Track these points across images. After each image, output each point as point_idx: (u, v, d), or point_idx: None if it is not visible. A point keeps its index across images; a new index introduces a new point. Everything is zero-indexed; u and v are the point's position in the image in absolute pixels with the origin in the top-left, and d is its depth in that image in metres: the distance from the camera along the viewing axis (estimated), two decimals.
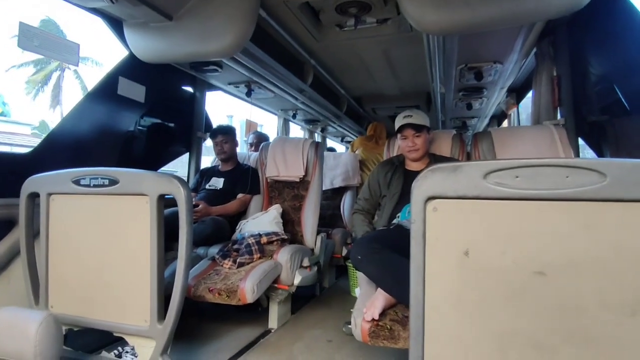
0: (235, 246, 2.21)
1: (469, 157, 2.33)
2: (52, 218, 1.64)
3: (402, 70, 3.49)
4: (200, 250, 2.35)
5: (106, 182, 1.52)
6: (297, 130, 4.87)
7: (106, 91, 2.33)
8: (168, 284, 1.49)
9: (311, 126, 4.55)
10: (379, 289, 1.59)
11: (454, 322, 1.03)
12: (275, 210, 2.56)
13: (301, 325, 2.35)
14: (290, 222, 2.66)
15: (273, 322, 2.26)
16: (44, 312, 1.28)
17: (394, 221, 2.02)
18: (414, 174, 2.21)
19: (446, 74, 2.49)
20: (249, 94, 2.86)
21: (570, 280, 0.96)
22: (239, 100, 3.54)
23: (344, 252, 3.19)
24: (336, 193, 3.70)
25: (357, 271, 2.09)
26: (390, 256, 1.58)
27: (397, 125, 2.17)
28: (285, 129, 4.22)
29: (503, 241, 1.00)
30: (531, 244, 0.98)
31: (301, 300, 2.74)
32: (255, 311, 2.42)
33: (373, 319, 1.49)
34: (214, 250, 2.29)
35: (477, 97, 3.03)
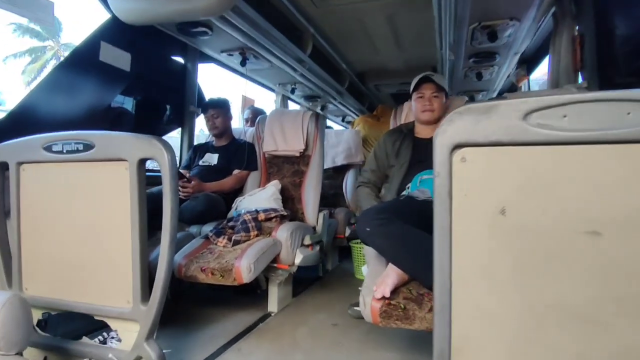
0: (231, 223, 2.04)
1: None
2: (24, 190, 1.46)
3: (407, 40, 3.28)
4: (193, 229, 2.18)
5: (80, 147, 1.34)
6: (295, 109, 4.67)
7: (86, 57, 2.13)
8: (155, 265, 1.33)
9: (311, 103, 4.35)
10: (389, 264, 1.42)
11: (487, 294, 0.86)
12: (273, 186, 2.38)
13: (304, 309, 2.19)
14: (290, 199, 2.49)
15: (273, 306, 2.10)
16: (7, 293, 1.11)
17: (403, 193, 1.84)
18: (425, 142, 2.05)
19: (457, 36, 2.29)
20: (243, 62, 2.66)
21: (628, 240, 0.79)
22: (234, 76, 3.35)
23: (348, 232, 3.03)
24: (338, 172, 3.52)
25: (363, 249, 1.93)
26: (402, 227, 1.40)
27: (413, 84, 1.98)
28: (283, 106, 4.02)
29: (547, 196, 0.82)
30: (582, 198, 0.80)
31: (303, 283, 2.58)
32: (253, 294, 2.26)
33: (384, 297, 1.33)
34: (207, 228, 2.12)
35: (488, 64, 2.83)
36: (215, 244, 1.91)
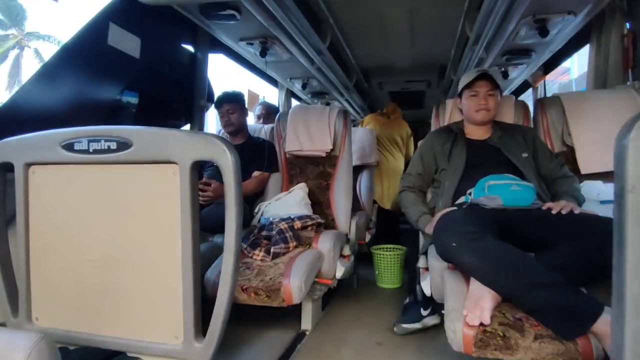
0: (264, 233, 1.80)
1: (535, 126, 2.00)
2: (34, 198, 1.19)
3: (423, 36, 3.13)
4: (219, 239, 1.92)
5: (113, 145, 1.08)
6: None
7: (94, 40, 1.84)
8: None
9: (317, 101, 4.13)
10: (475, 284, 1.23)
11: None
12: (301, 190, 2.16)
13: (338, 325, 1.98)
14: (318, 204, 2.27)
15: (307, 323, 1.88)
16: (33, 333, 0.85)
17: (462, 199, 1.66)
18: (479, 144, 1.88)
19: (500, 30, 2.13)
20: (263, 53, 2.41)
21: None
22: (236, 70, 3.09)
23: (368, 238, 2.83)
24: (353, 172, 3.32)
25: (420, 262, 1.74)
26: (496, 243, 1.22)
27: (464, 80, 1.81)
28: (287, 102, 3.78)
29: None
30: None
31: (325, 296, 2.38)
32: (282, 310, 2.03)
33: (482, 324, 1.14)
34: None
35: (519, 62, 2.70)
36: (251, 257, 1.67)
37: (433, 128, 2.11)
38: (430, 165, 1.87)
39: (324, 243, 1.77)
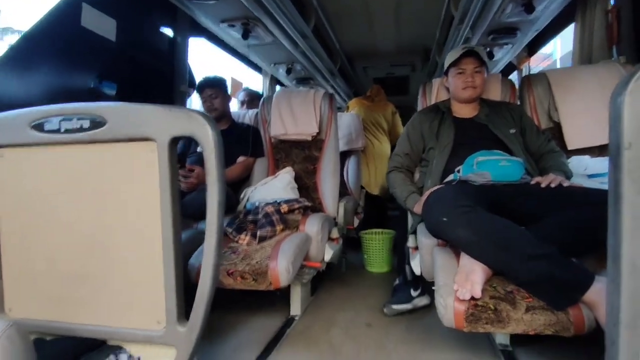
0: (250, 217, 1.76)
1: (521, 103, 1.99)
2: (3, 183, 1.12)
3: (407, 17, 3.10)
4: (203, 225, 1.87)
5: (86, 124, 1.02)
6: None
7: (65, 21, 1.75)
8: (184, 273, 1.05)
9: (301, 87, 4.07)
10: (465, 259, 1.22)
11: None
12: (287, 174, 2.12)
13: (326, 308, 1.96)
14: (304, 188, 2.23)
15: (296, 308, 1.86)
16: (2, 321, 0.80)
17: (450, 177, 1.64)
18: (467, 122, 1.86)
19: (487, 7, 2.11)
20: (245, 35, 2.34)
21: None
22: (219, 57, 3.01)
23: (356, 222, 2.81)
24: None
25: (409, 241, 1.72)
26: (487, 216, 1.20)
27: (450, 58, 1.78)
28: (271, 89, 3.71)
29: None
30: None
31: (314, 280, 2.35)
32: (271, 295, 2.00)
33: (472, 298, 1.12)
34: None
35: (504, 42, 2.68)
36: (237, 242, 1.62)
37: (420, 107, 2.08)
38: (417, 145, 1.84)
39: (312, 225, 1.74)
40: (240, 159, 2.24)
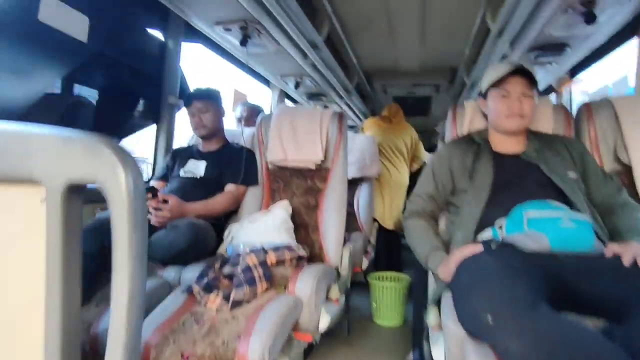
0: (227, 269, 1.38)
1: (578, 135, 1.58)
2: None
3: (434, 31, 2.74)
4: (169, 273, 1.50)
5: None
6: None
7: (18, 14, 1.44)
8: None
9: (312, 103, 3.73)
10: None
11: None
12: (283, 209, 1.74)
13: None
14: (303, 227, 1.85)
15: None
16: None
17: (487, 233, 1.24)
18: (511, 160, 1.41)
19: (533, 17, 1.73)
20: (243, 41, 2.00)
21: None
22: (222, 65, 2.69)
23: (365, 264, 2.41)
24: (349, 186, 2.89)
25: (430, 319, 1.31)
26: (555, 319, 0.79)
27: (491, 76, 1.39)
28: (280, 105, 3.37)
29: None
30: None
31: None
32: None
33: None
34: (190, 274, 1.45)
35: (548, 61, 2.27)
36: (204, 306, 1.24)
37: (448, 136, 1.69)
38: (444, 185, 1.45)
39: (304, 286, 1.34)
40: (229, 187, 1.88)
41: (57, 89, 1.78)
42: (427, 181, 1.48)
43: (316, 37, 2.20)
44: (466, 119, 1.64)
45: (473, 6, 2.33)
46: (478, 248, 1.12)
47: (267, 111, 3.40)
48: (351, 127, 5.40)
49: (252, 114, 2.53)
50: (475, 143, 1.46)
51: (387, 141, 3.16)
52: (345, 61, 3.33)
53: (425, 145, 3.60)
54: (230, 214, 1.88)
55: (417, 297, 1.79)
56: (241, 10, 1.77)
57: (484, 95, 1.47)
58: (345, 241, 1.89)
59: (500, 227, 1.20)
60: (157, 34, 2.16)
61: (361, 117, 4.44)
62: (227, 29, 1.96)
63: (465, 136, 1.53)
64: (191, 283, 1.34)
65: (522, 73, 1.34)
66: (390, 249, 3.12)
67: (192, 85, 2.36)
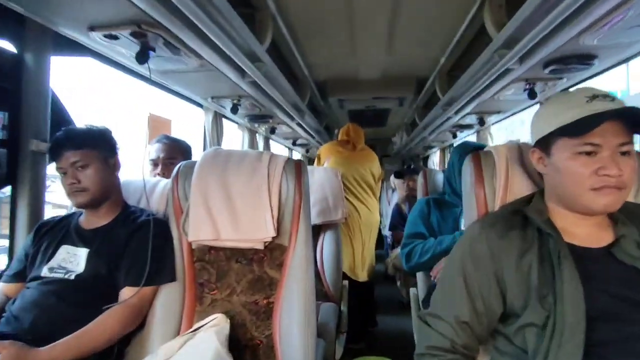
0: None
1: None
2: None
3: (404, 37, 2.21)
4: None
5: None
6: (231, 129, 3.28)
7: None
8: None
9: (256, 124, 3.04)
10: None
11: None
12: (215, 332, 1.06)
13: None
14: (250, 349, 1.18)
15: None
16: None
17: None
18: (601, 263, 0.81)
19: (565, 24, 1.20)
20: (142, 54, 1.28)
21: None
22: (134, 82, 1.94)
23: (339, 353, 1.79)
24: None
25: None
26: None
27: (567, 116, 0.82)
28: (216, 130, 2.64)
29: None
30: None
31: None
32: None
33: None
34: None
35: (559, 77, 1.78)
36: None
37: (468, 199, 1.11)
38: (489, 304, 0.86)
39: None
40: (126, 293, 1.16)
41: None
42: (454, 294, 0.88)
43: (256, 46, 1.54)
44: (500, 173, 1.06)
45: (459, 9, 1.80)
46: None
47: (199, 144, 2.66)
48: (302, 146, 4.77)
49: (173, 154, 1.79)
50: (534, 227, 0.88)
51: (351, 172, 2.56)
52: (295, 73, 2.69)
53: (378, 153, 3.10)
54: (127, 338, 1.17)
55: None
56: (131, 9, 1.07)
57: (541, 146, 0.90)
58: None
59: None
60: (6, 45, 1.39)
61: (314, 136, 3.83)
62: (111, 37, 1.23)
63: (511, 210, 0.94)
64: None
65: (626, 115, 0.78)
66: (362, 305, 2.52)
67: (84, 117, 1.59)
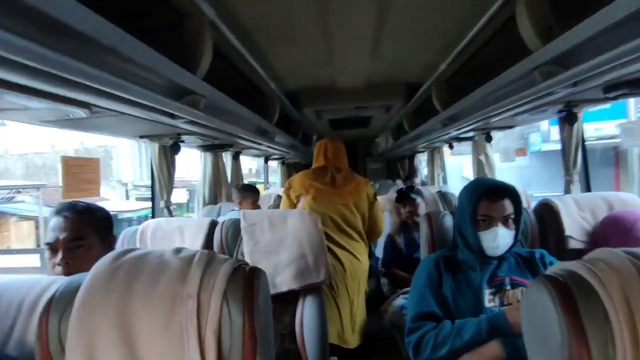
0: None
1: None
2: None
3: (397, 35, 1.73)
4: None
5: None
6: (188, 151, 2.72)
7: None
8: None
9: (214, 153, 2.51)
10: None
11: None
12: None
13: None
14: None
15: None
16: None
17: None
18: None
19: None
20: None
21: None
22: None
23: None
24: (284, 302, 1.76)
25: None
26: None
27: None
28: (165, 163, 2.06)
29: None
30: None
31: None
32: None
33: None
34: None
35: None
36: None
37: None
38: None
39: None
40: None
41: None
42: None
43: (184, 76, 1.02)
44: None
45: (473, 7, 1.32)
46: None
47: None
48: (277, 159, 4.24)
49: (80, 233, 1.22)
50: None
51: (332, 212, 2.01)
52: (259, 87, 2.17)
53: (360, 152, 2.62)
54: None
55: None
56: None
57: None
58: None
59: None
60: None
61: (290, 152, 3.31)
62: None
63: None
64: None
65: None
66: None
67: None
